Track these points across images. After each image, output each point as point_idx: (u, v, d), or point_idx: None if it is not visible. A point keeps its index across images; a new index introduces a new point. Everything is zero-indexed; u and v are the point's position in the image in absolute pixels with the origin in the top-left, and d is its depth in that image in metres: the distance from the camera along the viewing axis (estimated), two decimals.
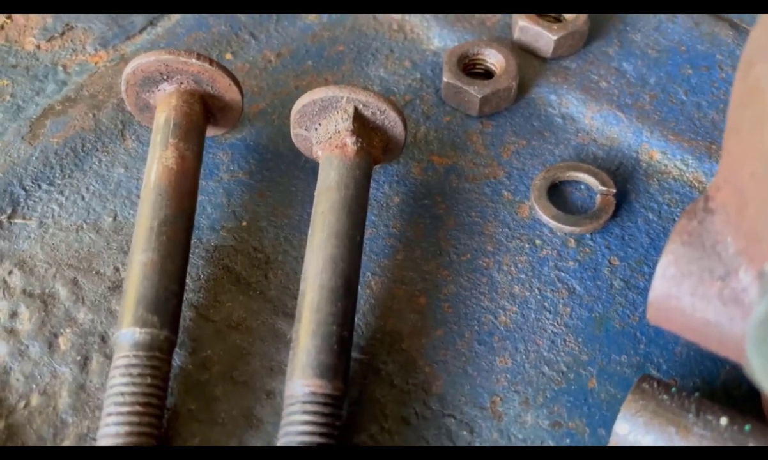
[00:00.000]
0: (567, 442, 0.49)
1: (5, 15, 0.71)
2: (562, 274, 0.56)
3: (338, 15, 0.72)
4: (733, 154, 0.38)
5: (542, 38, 0.68)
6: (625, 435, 0.44)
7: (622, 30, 0.72)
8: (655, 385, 0.45)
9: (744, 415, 0.44)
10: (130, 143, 0.62)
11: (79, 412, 0.49)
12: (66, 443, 0.48)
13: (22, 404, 0.49)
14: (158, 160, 0.54)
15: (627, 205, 0.60)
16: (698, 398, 0.44)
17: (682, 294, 0.40)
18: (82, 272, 0.55)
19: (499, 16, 0.72)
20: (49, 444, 0.48)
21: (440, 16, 0.71)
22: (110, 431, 0.45)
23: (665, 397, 0.44)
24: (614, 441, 0.45)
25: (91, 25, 0.71)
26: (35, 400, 0.49)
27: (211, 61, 0.56)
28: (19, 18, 0.71)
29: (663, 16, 0.72)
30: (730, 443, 0.42)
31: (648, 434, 0.44)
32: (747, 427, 0.43)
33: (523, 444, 0.48)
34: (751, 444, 0.42)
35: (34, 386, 0.50)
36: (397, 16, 0.72)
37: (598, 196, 0.59)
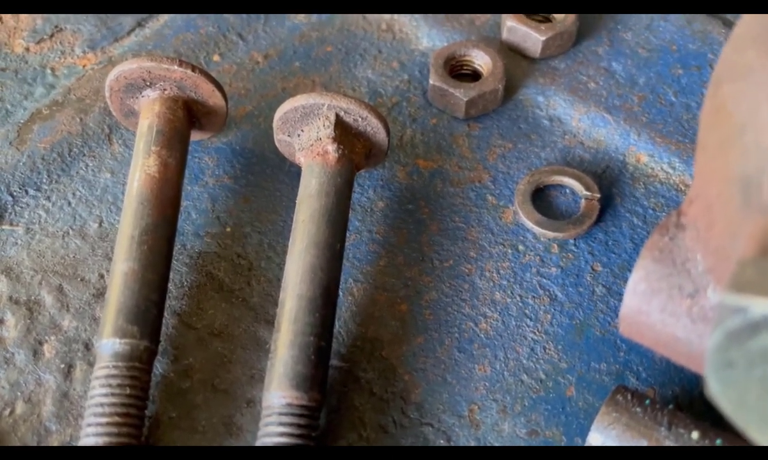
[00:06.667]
0: None
1: None
2: (544, 280, 0.56)
3: (327, 14, 0.72)
4: (702, 172, 0.38)
5: (530, 39, 0.67)
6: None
7: (613, 28, 0.71)
8: (630, 396, 0.45)
9: (717, 428, 0.44)
10: (116, 148, 0.63)
11: (63, 420, 0.50)
12: None
13: (7, 411, 0.50)
14: (141, 168, 0.54)
15: (612, 209, 0.60)
16: (672, 410, 0.44)
17: (652, 310, 0.40)
18: (67, 278, 0.56)
19: (488, 15, 0.72)
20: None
21: (429, 15, 0.71)
22: (89, 442, 0.46)
23: (638, 409, 0.44)
24: None
25: (80, 26, 0.71)
26: (20, 408, 0.50)
27: (193, 68, 0.56)
28: (9, 20, 0.71)
29: (655, 14, 0.71)
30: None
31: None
32: (718, 441, 0.43)
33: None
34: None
35: (19, 393, 0.51)
36: (386, 16, 0.72)
37: (583, 200, 0.59)
